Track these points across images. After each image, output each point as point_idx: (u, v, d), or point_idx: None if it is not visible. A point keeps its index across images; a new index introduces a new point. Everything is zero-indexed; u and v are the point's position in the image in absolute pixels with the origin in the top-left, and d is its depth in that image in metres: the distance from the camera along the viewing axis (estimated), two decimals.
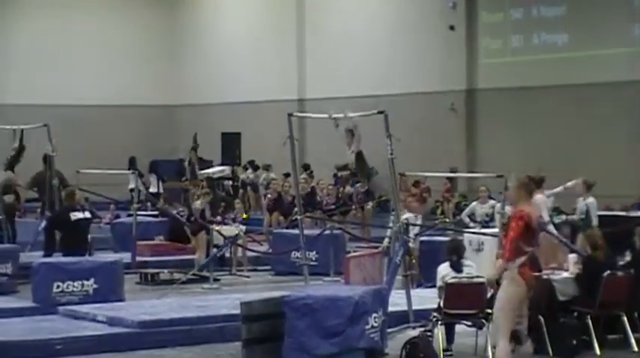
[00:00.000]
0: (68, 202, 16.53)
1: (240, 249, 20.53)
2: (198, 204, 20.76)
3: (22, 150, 21.87)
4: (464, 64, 30.25)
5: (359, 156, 15.21)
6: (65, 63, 37.11)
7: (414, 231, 18.02)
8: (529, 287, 10.08)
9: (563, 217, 19.66)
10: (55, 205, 19.87)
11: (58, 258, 16.14)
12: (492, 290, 10.45)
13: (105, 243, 21.71)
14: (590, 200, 19.21)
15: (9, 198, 21.49)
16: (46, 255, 16.79)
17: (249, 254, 20.75)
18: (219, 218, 20.82)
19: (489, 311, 12.31)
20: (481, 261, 15.25)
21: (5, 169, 21.90)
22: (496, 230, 15.28)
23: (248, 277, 20.06)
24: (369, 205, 25.01)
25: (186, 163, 26.39)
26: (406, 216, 18.28)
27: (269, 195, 26.02)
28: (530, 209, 10.03)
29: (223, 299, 15.21)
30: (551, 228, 19.09)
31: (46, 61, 36.86)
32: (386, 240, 18.58)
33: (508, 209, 18.60)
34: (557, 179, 19.98)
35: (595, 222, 18.77)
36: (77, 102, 36.65)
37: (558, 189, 18.74)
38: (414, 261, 16.50)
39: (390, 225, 18.27)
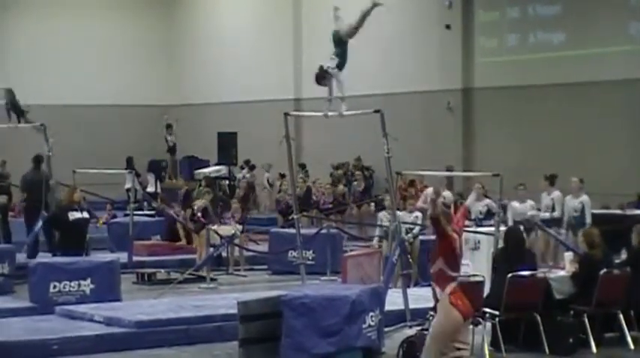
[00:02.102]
0: (67, 202, 16.48)
1: (237, 248, 20.55)
2: (199, 203, 20.78)
3: None
4: (460, 62, 30.22)
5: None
6: (64, 63, 37.10)
7: (414, 230, 18.05)
8: (465, 317, 9.23)
9: (547, 215, 19.72)
10: (45, 206, 19.60)
11: (54, 258, 16.15)
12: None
13: (101, 243, 21.69)
14: (556, 194, 19.67)
15: (2, 199, 21.48)
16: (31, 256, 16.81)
17: (246, 253, 20.77)
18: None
19: (486, 309, 12.34)
20: (478, 260, 15.27)
21: None
22: (492, 228, 15.25)
23: (245, 276, 20.08)
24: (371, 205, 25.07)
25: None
26: (415, 214, 18.37)
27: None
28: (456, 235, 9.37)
29: (220, 299, 15.18)
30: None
31: (46, 61, 36.82)
32: (375, 239, 18.61)
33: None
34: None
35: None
36: (76, 102, 36.65)
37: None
38: (411, 260, 16.49)
39: (381, 223, 18.32)
